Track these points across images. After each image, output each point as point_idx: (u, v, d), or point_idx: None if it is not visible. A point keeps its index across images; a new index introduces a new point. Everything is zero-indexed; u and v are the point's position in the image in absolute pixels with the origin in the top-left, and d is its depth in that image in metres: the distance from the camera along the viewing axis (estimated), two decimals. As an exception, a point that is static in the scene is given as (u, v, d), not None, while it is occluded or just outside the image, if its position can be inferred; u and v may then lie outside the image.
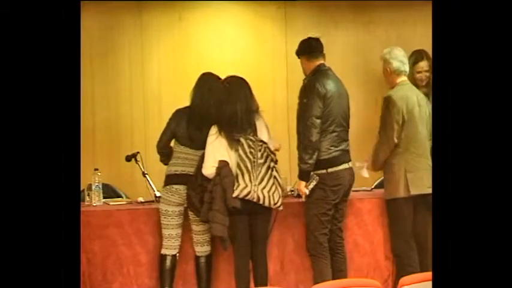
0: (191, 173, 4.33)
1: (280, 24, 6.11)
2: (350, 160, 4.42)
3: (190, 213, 4.40)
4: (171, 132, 4.47)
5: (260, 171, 4.19)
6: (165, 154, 4.50)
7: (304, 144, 4.24)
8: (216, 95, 4.37)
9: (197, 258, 4.45)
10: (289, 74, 5.81)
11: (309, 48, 4.49)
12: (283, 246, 4.60)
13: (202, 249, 4.44)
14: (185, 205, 4.38)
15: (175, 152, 4.47)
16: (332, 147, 4.30)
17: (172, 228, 4.39)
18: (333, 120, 4.30)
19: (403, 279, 3.01)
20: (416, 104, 4.44)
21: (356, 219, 4.66)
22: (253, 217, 4.25)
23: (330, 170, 4.28)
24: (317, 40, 4.52)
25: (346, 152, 4.39)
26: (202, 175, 4.24)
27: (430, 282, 2.50)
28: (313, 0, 6.09)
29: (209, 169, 4.20)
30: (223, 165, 4.17)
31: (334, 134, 4.31)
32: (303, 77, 4.51)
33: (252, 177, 4.15)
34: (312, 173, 4.27)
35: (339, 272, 4.36)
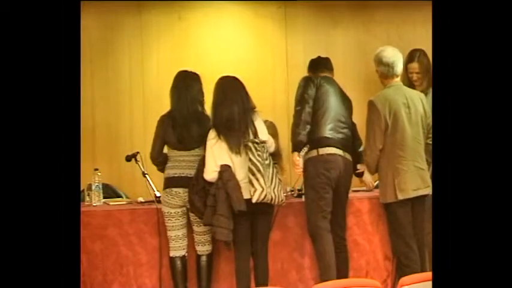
0: (189, 175, 4.34)
1: (280, 24, 6.11)
2: (345, 150, 4.43)
3: (191, 214, 4.40)
4: (160, 140, 4.47)
5: (268, 172, 4.20)
6: (161, 162, 4.50)
7: (296, 120, 4.37)
8: (195, 91, 4.44)
9: (198, 257, 4.45)
10: (289, 74, 5.81)
11: (316, 65, 4.71)
12: (283, 246, 4.60)
13: (203, 249, 4.44)
14: (187, 206, 4.37)
15: (170, 156, 4.48)
16: (325, 131, 4.37)
17: (178, 229, 4.41)
18: (327, 108, 4.39)
19: (403, 279, 3.02)
20: (405, 106, 4.38)
21: (356, 219, 4.66)
22: (255, 216, 4.25)
23: (320, 150, 4.34)
24: (326, 59, 4.73)
25: (339, 141, 4.41)
26: (204, 179, 4.23)
27: (430, 282, 2.50)
28: (313, 0, 6.09)
29: (211, 174, 4.19)
30: (224, 169, 4.15)
31: (328, 120, 4.38)
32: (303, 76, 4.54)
33: (265, 180, 4.14)
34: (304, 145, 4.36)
35: (339, 271, 4.36)
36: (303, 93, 4.40)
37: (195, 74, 4.55)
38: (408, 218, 4.39)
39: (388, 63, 4.42)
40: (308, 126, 4.35)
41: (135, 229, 4.54)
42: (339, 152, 4.39)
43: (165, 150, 4.53)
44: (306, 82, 4.46)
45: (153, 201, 4.67)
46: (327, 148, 4.36)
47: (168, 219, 4.40)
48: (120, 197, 5.35)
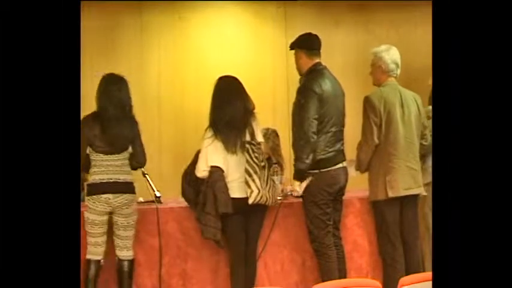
0: (118, 180, 4.23)
1: (280, 24, 6.12)
2: (344, 160, 4.42)
3: (115, 218, 4.27)
4: (85, 140, 4.25)
5: (264, 174, 4.24)
6: (85, 166, 4.30)
7: (301, 145, 4.22)
8: (123, 94, 4.32)
9: (120, 261, 4.32)
10: (290, 74, 5.81)
11: (311, 44, 4.45)
12: (283, 246, 4.60)
13: (126, 254, 4.32)
14: (113, 212, 4.25)
15: (95, 160, 4.29)
16: (327, 148, 4.29)
17: (100, 236, 4.25)
18: (329, 120, 4.29)
19: (403, 279, 3.01)
20: (399, 105, 4.37)
21: (356, 219, 4.66)
22: (246, 216, 4.27)
23: (323, 170, 4.29)
24: (317, 37, 4.49)
25: (340, 152, 4.39)
26: None
27: (430, 282, 2.50)
28: (313, 0, 6.10)
29: (200, 172, 4.23)
30: (214, 170, 4.18)
31: (330, 134, 4.30)
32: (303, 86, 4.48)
33: (261, 182, 4.19)
34: (306, 173, 4.28)
35: (338, 271, 4.37)
36: (308, 117, 4.19)
37: (122, 77, 4.42)
38: (395, 218, 4.38)
39: (396, 61, 4.44)
40: (313, 153, 4.21)
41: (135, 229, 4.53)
42: (340, 165, 4.36)
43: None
44: (308, 97, 4.22)
45: (153, 201, 4.66)
46: (329, 168, 4.30)
47: (91, 226, 4.22)
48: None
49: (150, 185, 4.71)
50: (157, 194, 4.65)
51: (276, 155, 5.18)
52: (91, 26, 5.77)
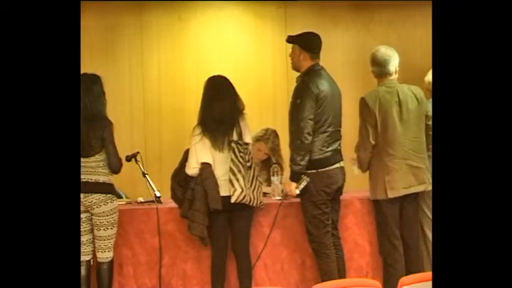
0: (90, 180, 4.18)
1: (280, 24, 6.12)
2: (342, 159, 4.41)
3: (94, 218, 4.24)
4: None
5: (249, 174, 4.27)
6: None
7: (297, 146, 4.23)
8: (95, 94, 4.25)
9: (99, 264, 4.30)
10: (289, 74, 5.80)
11: (316, 47, 4.42)
12: (283, 246, 4.60)
13: (105, 255, 4.29)
14: (90, 211, 4.22)
15: None
16: (324, 148, 4.29)
17: (83, 235, 4.23)
18: (326, 120, 4.29)
19: (403, 279, 3.01)
20: (396, 104, 4.34)
21: (356, 220, 4.66)
22: (233, 214, 4.30)
23: (320, 170, 4.29)
24: (320, 38, 4.47)
25: (337, 152, 4.38)
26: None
27: (430, 282, 2.50)
28: (313, 0, 6.10)
29: (191, 170, 4.27)
30: (205, 166, 4.22)
31: (326, 134, 4.30)
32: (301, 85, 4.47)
33: (245, 181, 4.22)
34: (302, 174, 4.27)
35: (337, 271, 4.37)
36: (303, 118, 4.18)
37: (95, 76, 4.35)
38: (395, 218, 4.38)
39: (380, 62, 4.38)
40: (308, 154, 4.23)
41: (135, 229, 4.54)
42: (338, 165, 4.36)
43: None
44: (305, 97, 4.22)
45: (153, 201, 4.67)
46: (326, 168, 4.30)
47: None
48: (120, 197, 5.33)
49: (150, 185, 4.71)
50: (158, 194, 4.65)
51: (276, 155, 5.18)
52: (91, 26, 5.77)
